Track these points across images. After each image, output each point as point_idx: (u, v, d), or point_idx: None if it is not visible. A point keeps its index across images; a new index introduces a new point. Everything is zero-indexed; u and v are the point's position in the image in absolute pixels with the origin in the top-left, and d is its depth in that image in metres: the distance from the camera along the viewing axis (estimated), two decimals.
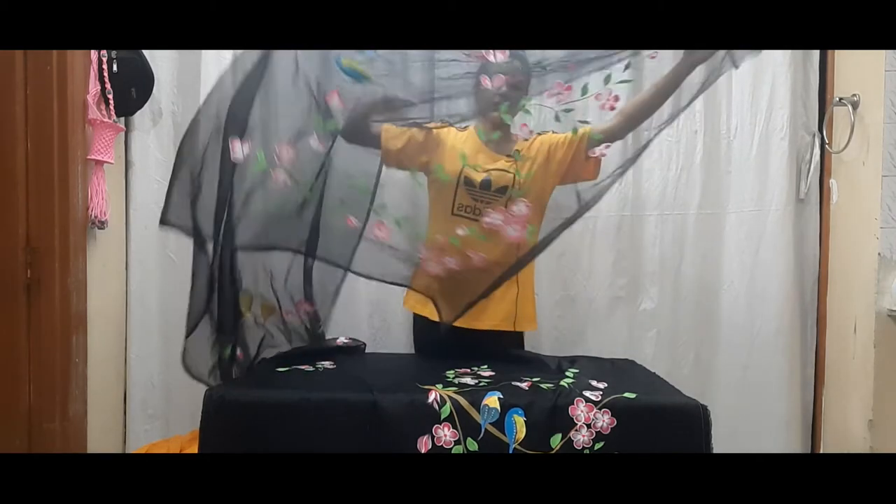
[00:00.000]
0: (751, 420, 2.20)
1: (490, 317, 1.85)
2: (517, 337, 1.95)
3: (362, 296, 2.24)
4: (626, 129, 1.82)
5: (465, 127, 1.88)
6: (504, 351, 1.84)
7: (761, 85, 2.22)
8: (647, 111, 1.77)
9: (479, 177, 1.79)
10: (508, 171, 1.80)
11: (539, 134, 1.89)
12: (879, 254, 1.89)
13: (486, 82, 1.73)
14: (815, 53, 2.22)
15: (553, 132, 1.89)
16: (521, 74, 1.76)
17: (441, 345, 1.83)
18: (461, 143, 1.84)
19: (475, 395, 1.48)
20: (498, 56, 1.72)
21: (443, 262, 1.72)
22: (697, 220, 2.25)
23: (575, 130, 1.81)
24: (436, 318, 1.82)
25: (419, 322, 1.96)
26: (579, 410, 1.45)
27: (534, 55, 1.74)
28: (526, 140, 1.85)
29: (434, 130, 1.83)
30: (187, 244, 2.24)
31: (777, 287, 2.22)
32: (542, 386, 1.54)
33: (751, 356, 2.24)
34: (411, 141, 1.81)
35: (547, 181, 1.84)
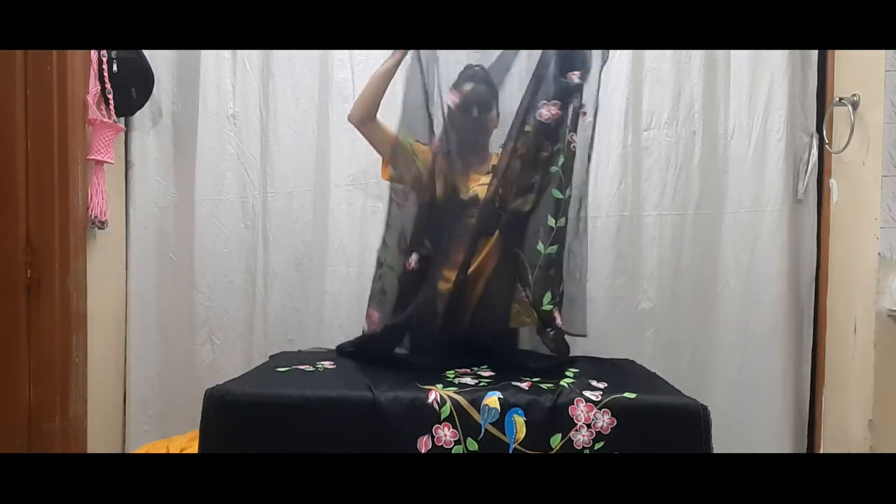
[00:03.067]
0: (746, 417, 2.20)
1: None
2: (512, 335, 1.96)
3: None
4: None
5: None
6: (504, 351, 1.85)
7: (759, 86, 2.22)
8: None
9: (466, 195, 1.85)
10: (491, 186, 1.84)
11: (502, 146, 1.93)
12: (879, 254, 1.88)
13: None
14: (814, 54, 2.22)
15: None
16: (486, 95, 1.88)
17: (440, 350, 1.82)
18: (447, 168, 1.89)
19: (475, 395, 1.48)
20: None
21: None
22: (695, 221, 2.25)
23: None
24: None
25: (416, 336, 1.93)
26: (579, 410, 1.45)
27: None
28: (497, 154, 1.91)
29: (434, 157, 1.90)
30: (187, 244, 2.27)
31: (773, 287, 2.22)
32: (542, 386, 1.54)
33: (746, 355, 2.24)
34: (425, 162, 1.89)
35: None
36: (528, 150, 1.79)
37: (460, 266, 1.77)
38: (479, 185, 1.86)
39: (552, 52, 1.77)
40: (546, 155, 1.79)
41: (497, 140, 1.93)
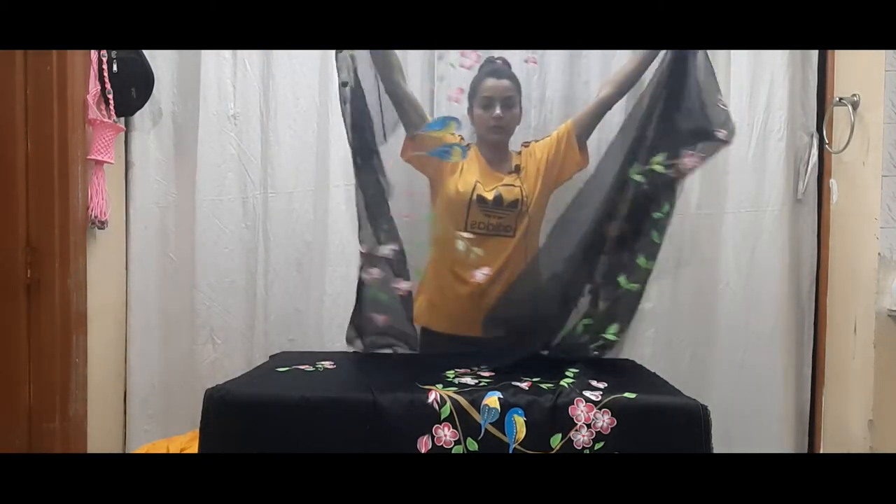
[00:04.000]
0: (745, 418, 2.20)
1: None
2: None
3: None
4: (600, 115, 1.88)
5: (469, 145, 1.93)
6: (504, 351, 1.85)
7: (760, 86, 2.22)
8: (615, 98, 1.88)
9: (490, 194, 1.83)
10: (515, 186, 1.85)
11: (524, 145, 1.94)
12: (879, 254, 1.88)
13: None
14: (814, 54, 2.22)
15: (535, 141, 1.95)
16: (509, 91, 1.86)
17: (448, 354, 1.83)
18: (468, 163, 1.88)
19: (475, 395, 1.48)
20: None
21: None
22: (695, 221, 2.25)
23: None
24: (447, 331, 1.85)
25: (428, 336, 1.94)
26: (579, 410, 1.45)
27: None
28: (519, 153, 1.92)
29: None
30: (188, 244, 2.27)
31: (773, 287, 2.21)
32: (542, 386, 1.54)
33: (746, 355, 2.23)
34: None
35: (547, 186, 1.91)
36: (645, 186, 1.77)
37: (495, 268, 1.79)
38: (503, 186, 1.85)
39: (699, 103, 1.75)
40: (657, 198, 1.78)
41: (517, 139, 1.95)
